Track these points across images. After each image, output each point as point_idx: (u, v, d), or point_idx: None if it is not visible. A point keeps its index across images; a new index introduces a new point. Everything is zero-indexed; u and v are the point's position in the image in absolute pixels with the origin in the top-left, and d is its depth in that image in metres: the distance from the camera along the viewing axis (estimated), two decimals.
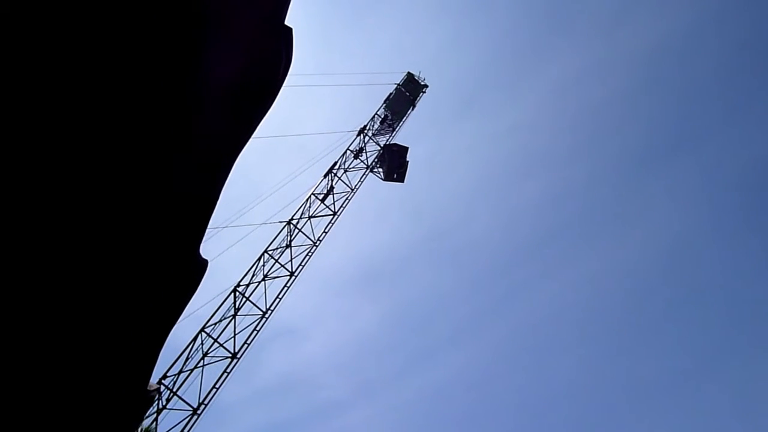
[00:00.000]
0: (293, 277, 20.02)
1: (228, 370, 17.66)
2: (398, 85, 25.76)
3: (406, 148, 24.94)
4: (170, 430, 16.38)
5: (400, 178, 25.41)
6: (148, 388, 2.43)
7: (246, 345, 18.31)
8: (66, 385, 2.09)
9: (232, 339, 18.30)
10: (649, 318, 53.95)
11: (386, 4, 57.26)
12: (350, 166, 23.63)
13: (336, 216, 21.92)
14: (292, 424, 49.12)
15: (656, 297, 53.58)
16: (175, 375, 17.15)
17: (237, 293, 19.22)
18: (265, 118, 2.03)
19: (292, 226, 21.10)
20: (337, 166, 23.16)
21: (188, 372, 17.38)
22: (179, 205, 2.02)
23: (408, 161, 25.10)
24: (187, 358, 17.61)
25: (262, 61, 1.93)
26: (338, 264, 55.09)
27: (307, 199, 21.98)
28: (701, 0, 50.77)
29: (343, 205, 22.32)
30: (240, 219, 20.37)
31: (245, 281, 19.62)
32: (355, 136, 24.30)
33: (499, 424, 51.22)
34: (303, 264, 20.48)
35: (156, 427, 16.19)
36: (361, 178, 23.43)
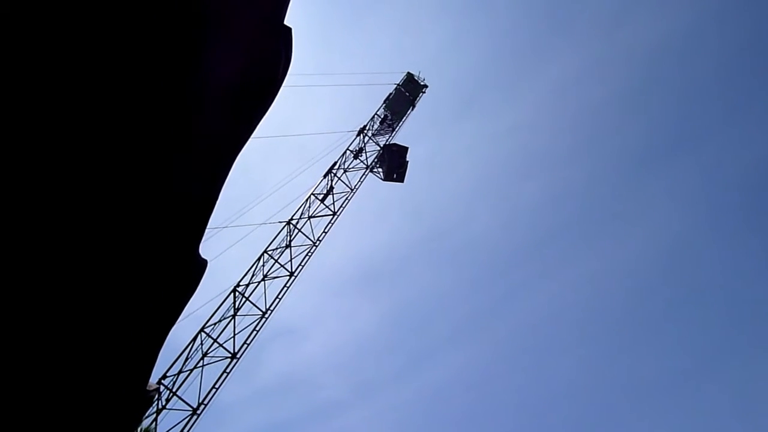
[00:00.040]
0: (293, 277, 20.02)
1: (228, 370, 17.67)
2: (398, 85, 25.78)
3: (406, 148, 24.95)
4: (170, 430, 16.39)
5: (400, 178, 25.42)
6: (148, 388, 2.43)
7: (246, 345, 18.31)
8: (65, 385, 2.09)
9: (232, 339, 18.31)
10: (649, 318, 54.03)
11: (386, 4, 57.30)
12: (350, 166, 23.64)
13: (336, 216, 21.92)
14: (291, 424, 49.16)
15: (656, 297, 53.65)
16: (174, 375, 17.15)
17: (237, 293, 19.23)
18: (264, 117, 2.03)
19: (291, 226, 21.11)
20: (336, 166, 23.17)
21: (188, 372, 17.39)
22: (179, 205, 2.02)
23: (408, 161, 25.12)
24: (186, 358, 17.62)
25: (261, 61, 1.93)
26: (338, 264, 55.14)
27: (306, 199, 21.99)
28: (701, 0, 50.81)
29: (343, 205, 22.33)
30: (240, 219, 20.39)
31: (245, 281, 19.63)
32: (354, 136, 24.31)
33: (498, 424, 51.26)
34: (303, 264, 20.49)
35: (156, 427, 16.19)
36: (360, 178, 23.44)
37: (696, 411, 48.23)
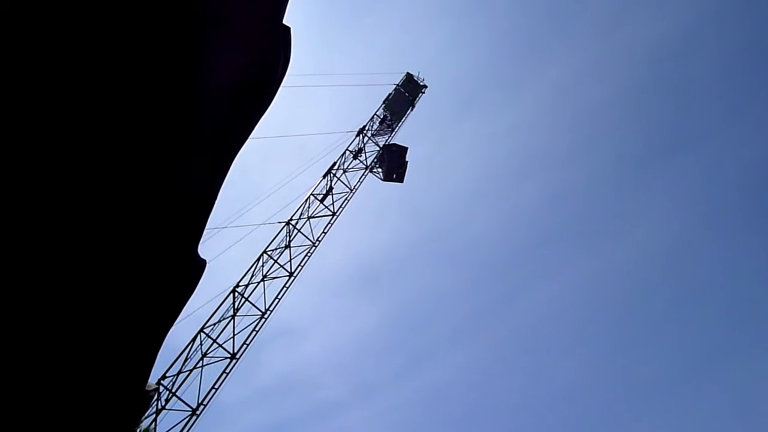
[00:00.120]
0: (292, 278, 20.02)
1: (227, 371, 17.65)
2: (397, 85, 25.78)
3: (406, 148, 24.96)
4: (169, 430, 16.38)
5: (400, 178, 25.42)
6: (147, 387, 2.43)
7: (245, 345, 18.30)
8: (64, 384, 2.09)
9: (231, 339, 18.30)
10: (649, 318, 54.05)
11: (385, 5, 57.33)
12: (349, 167, 23.64)
13: (335, 216, 21.92)
14: (291, 425, 49.13)
15: (656, 297, 53.67)
16: (174, 375, 17.14)
17: (236, 294, 19.22)
18: (263, 117, 2.03)
19: (291, 226, 21.10)
20: (336, 167, 23.17)
21: (187, 372, 17.38)
22: (178, 205, 2.02)
23: (407, 161, 25.12)
24: (186, 359, 17.60)
25: (261, 61, 1.94)
26: (337, 264, 55.11)
27: (306, 200, 21.99)
28: (701, 0, 50.87)
29: (342, 206, 22.33)
30: (239, 219, 20.38)
31: (244, 282, 19.62)
32: (354, 137, 24.32)
33: (498, 424, 51.26)
34: (302, 264, 20.49)
35: (155, 428, 16.18)
36: (360, 179, 23.44)
37: (696, 411, 48.28)
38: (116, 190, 1.86)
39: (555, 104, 57.90)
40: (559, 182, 57.45)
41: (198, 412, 16.74)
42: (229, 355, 17.93)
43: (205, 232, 2.14)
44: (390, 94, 25.78)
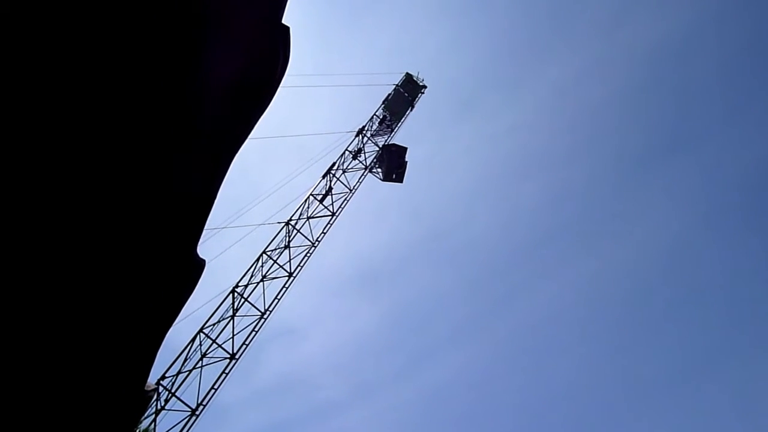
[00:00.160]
0: (292, 278, 20.02)
1: (227, 371, 17.64)
2: (397, 85, 25.79)
3: (405, 149, 24.96)
4: (169, 430, 16.37)
5: (399, 179, 25.42)
6: (146, 387, 2.43)
7: (245, 345, 18.30)
8: (63, 384, 2.09)
9: (231, 340, 18.29)
10: (649, 318, 54.06)
11: (385, 5, 57.33)
12: (349, 167, 23.64)
13: (334, 216, 21.92)
14: (290, 425, 49.11)
15: (656, 297, 53.69)
16: (173, 376, 17.13)
17: (235, 294, 19.21)
18: (263, 117, 2.03)
19: (290, 226, 21.10)
20: (335, 167, 23.17)
21: (187, 373, 17.37)
22: (178, 205, 2.03)
23: (407, 161, 25.12)
24: (185, 359, 17.60)
25: (260, 61, 1.94)
26: (337, 264, 55.08)
27: (305, 200, 21.99)
28: (701, 0, 50.92)
29: (342, 206, 22.33)
30: (239, 219, 20.38)
31: (244, 282, 19.62)
32: (353, 137, 24.32)
33: (498, 424, 51.26)
34: (301, 265, 20.49)
35: (154, 428, 16.17)
36: (359, 179, 23.45)
37: (696, 411, 48.30)
38: (116, 189, 1.86)
39: (555, 104, 57.96)
40: (559, 182, 57.50)
41: (197, 413, 16.74)
42: (229, 356, 17.92)
43: (204, 232, 2.14)
44: (389, 94, 25.79)
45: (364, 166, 23.89)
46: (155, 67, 1.74)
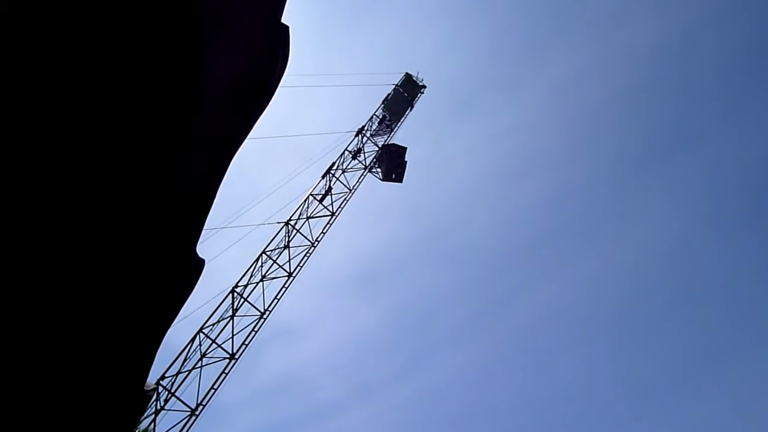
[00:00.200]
0: (291, 278, 20.01)
1: (226, 371, 17.64)
2: (396, 85, 25.80)
3: (405, 148, 24.96)
4: (168, 430, 16.37)
5: (399, 178, 25.42)
6: (146, 387, 2.43)
7: (244, 345, 18.29)
8: (62, 384, 2.09)
9: (231, 340, 18.28)
10: (649, 318, 54.07)
11: (384, 5, 57.34)
12: (348, 167, 23.64)
13: (334, 216, 21.92)
14: (290, 425, 49.11)
15: (656, 297, 53.70)
16: (173, 376, 17.13)
17: (235, 294, 19.21)
18: (262, 116, 2.03)
19: (290, 226, 21.09)
20: (335, 167, 23.17)
21: (186, 373, 17.36)
22: (177, 204, 2.03)
23: (406, 161, 25.12)
24: (185, 359, 17.59)
25: (260, 60, 1.94)
26: (336, 264, 55.12)
27: (305, 200, 21.98)
28: (700, 0, 50.93)
29: (342, 206, 22.33)
30: (238, 220, 20.37)
31: (243, 282, 19.61)
32: (353, 137, 24.31)
33: (498, 424, 51.26)
34: (301, 265, 20.48)
35: (154, 428, 16.17)
36: (359, 179, 23.44)
37: (696, 411, 48.30)
38: (117, 189, 1.86)
39: (554, 104, 57.99)
40: (559, 182, 57.52)
41: (197, 413, 16.73)
42: (228, 356, 17.91)
43: (204, 232, 2.14)
44: (389, 94, 25.79)
45: (363, 166, 23.88)
46: (155, 67, 1.74)
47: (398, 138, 25.40)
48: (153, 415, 16.22)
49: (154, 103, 1.78)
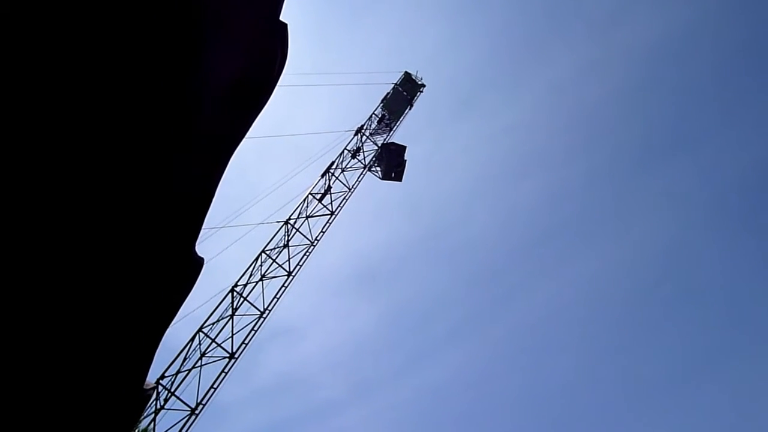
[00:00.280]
0: (291, 277, 20.02)
1: (226, 370, 17.65)
2: (395, 84, 25.79)
3: (404, 147, 24.96)
4: (168, 430, 16.38)
5: (398, 177, 25.42)
6: (145, 386, 2.43)
7: (244, 345, 18.30)
8: (60, 383, 2.09)
9: (230, 339, 18.29)
10: (648, 317, 54.11)
11: (384, 4, 57.33)
12: (348, 166, 23.63)
13: (333, 216, 21.92)
14: (290, 424, 49.16)
15: (655, 296, 53.73)
16: (172, 375, 17.14)
17: (234, 293, 19.21)
18: (260, 115, 2.04)
19: (289, 226, 21.09)
20: (334, 166, 23.16)
21: (186, 372, 17.38)
22: (176, 204, 2.03)
23: (406, 160, 25.12)
24: (185, 359, 17.61)
25: (259, 59, 1.94)
26: (336, 264, 55.13)
27: (304, 199, 21.98)
28: (699, 0, 50.91)
29: (341, 205, 22.33)
30: (237, 219, 20.37)
31: (243, 281, 19.62)
32: (352, 136, 24.31)
33: (497, 423, 51.30)
34: (300, 264, 20.49)
35: (154, 428, 16.18)
36: (358, 178, 23.44)
37: (696, 411, 48.34)
38: (117, 189, 1.87)
39: (553, 103, 58.02)
40: (558, 182, 57.56)
41: (197, 412, 16.74)
42: (228, 355, 17.92)
43: (203, 231, 2.15)
44: (388, 93, 25.79)
45: (363, 165, 23.88)
46: (156, 67, 1.74)
47: (397, 137, 25.44)
48: (153, 415, 16.23)
49: (154, 103, 1.78)
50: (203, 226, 2.12)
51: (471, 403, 52.90)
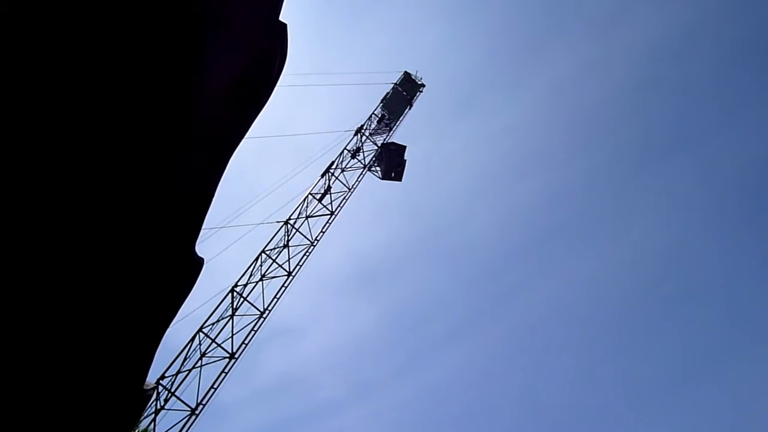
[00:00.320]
0: (291, 277, 20.02)
1: (226, 370, 17.65)
2: (395, 84, 25.79)
3: (404, 147, 24.96)
4: (168, 430, 16.38)
5: (398, 177, 25.42)
6: (145, 387, 2.43)
7: (244, 345, 18.30)
8: (61, 383, 2.09)
9: (230, 339, 18.29)
10: (648, 317, 54.11)
11: (383, 4, 57.33)
12: (347, 166, 23.63)
13: (333, 216, 21.92)
14: (290, 424, 49.13)
15: (655, 296, 53.73)
16: (173, 375, 17.13)
17: (235, 293, 19.21)
18: (260, 115, 2.04)
19: (289, 226, 21.09)
20: (334, 166, 23.16)
21: (186, 372, 17.37)
22: (176, 203, 2.03)
23: (406, 160, 25.12)
24: (185, 359, 17.60)
25: (259, 59, 1.94)
26: (336, 264, 55.10)
27: (304, 199, 21.98)
28: (699, 0, 50.94)
29: (341, 205, 22.33)
30: (237, 219, 20.37)
31: (243, 281, 19.62)
32: (352, 136, 24.31)
33: (497, 423, 51.31)
34: (300, 264, 20.49)
35: (154, 428, 16.18)
36: (358, 178, 23.44)
37: (696, 411, 48.35)
38: (117, 189, 1.87)
39: (553, 103, 58.02)
40: (558, 181, 57.55)
41: (197, 412, 16.74)
42: (228, 355, 17.92)
43: (203, 231, 2.15)
44: (388, 93, 25.79)
45: (362, 165, 23.88)
46: (156, 67, 1.74)
47: (397, 137, 25.43)
48: (153, 415, 16.23)
49: (154, 103, 1.79)
50: (203, 226, 2.12)
51: (471, 403, 52.95)
